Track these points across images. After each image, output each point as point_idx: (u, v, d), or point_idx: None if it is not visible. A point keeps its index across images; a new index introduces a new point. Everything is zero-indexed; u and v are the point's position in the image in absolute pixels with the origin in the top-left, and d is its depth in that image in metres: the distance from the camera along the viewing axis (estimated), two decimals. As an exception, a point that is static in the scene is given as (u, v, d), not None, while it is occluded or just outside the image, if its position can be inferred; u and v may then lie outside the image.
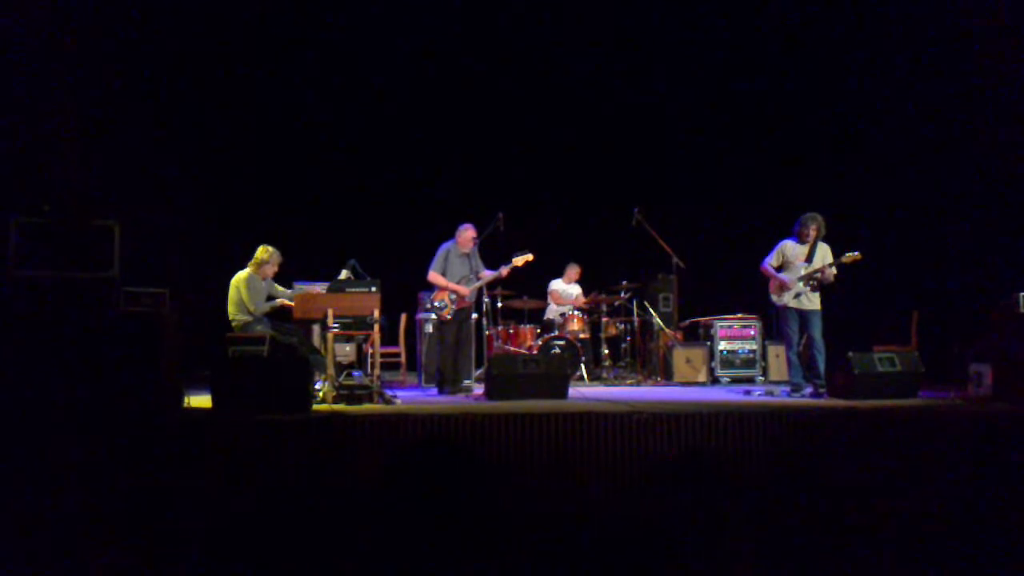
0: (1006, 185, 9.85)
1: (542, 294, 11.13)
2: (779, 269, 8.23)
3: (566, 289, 11.11)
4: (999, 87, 9.84)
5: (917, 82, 10.60)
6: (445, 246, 8.74)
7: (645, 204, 10.55)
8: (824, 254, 8.15)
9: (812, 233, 8.09)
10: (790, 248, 8.20)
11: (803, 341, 8.25)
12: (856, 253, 7.92)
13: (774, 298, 8.24)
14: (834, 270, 8.00)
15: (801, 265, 8.11)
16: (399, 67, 11.16)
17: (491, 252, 8.99)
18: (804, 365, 8.26)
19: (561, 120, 11.66)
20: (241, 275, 8.16)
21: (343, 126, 11.29)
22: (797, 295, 8.09)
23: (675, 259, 10.52)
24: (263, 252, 8.21)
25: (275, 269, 8.31)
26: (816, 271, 8.03)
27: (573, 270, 11.12)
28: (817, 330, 8.07)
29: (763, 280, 8.38)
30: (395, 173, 11.41)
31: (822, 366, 8.04)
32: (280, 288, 8.43)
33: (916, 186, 10.61)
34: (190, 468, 5.51)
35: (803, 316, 8.11)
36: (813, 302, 8.11)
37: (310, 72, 10.91)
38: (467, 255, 8.72)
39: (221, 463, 5.59)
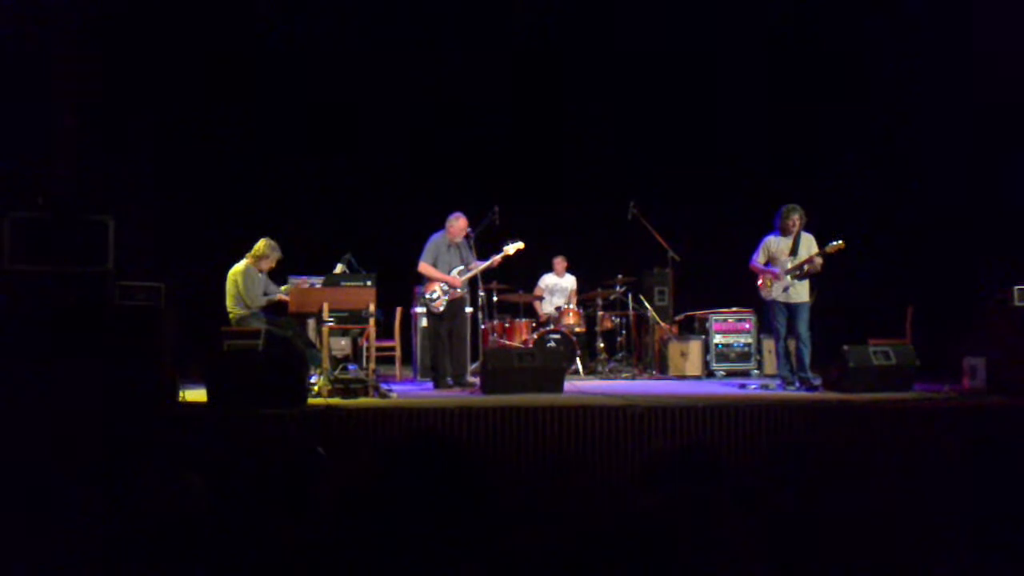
0: (1002, 178, 9.87)
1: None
2: (766, 265, 8.22)
3: (558, 282, 11.11)
4: (996, 81, 9.85)
5: (913, 75, 10.61)
6: (435, 237, 8.69)
7: (641, 198, 10.55)
8: (809, 244, 8.13)
9: (794, 225, 8.07)
10: (774, 243, 8.18)
11: (791, 335, 8.25)
12: (840, 242, 7.90)
13: (763, 293, 8.25)
14: (821, 259, 7.99)
15: (787, 259, 8.10)
16: (396, 61, 11.14)
17: (488, 245, 8.98)
18: (795, 359, 8.27)
19: (558, 114, 11.64)
20: (238, 268, 8.13)
21: (339, 119, 11.26)
22: (785, 289, 8.08)
23: (671, 253, 10.53)
24: (264, 246, 8.17)
25: (272, 264, 8.28)
26: (803, 263, 8.03)
27: (561, 262, 11.12)
28: (804, 323, 8.06)
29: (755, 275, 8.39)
30: (391, 167, 11.39)
31: (807, 359, 8.06)
32: (272, 286, 8.40)
33: (911, 179, 10.63)
34: (185, 462, 5.51)
35: (791, 309, 8.11)
36: (801, 295, 8.10)
37: (306, 65, 10.88)
38: (458, 245, 8.69)
39: (216, 457, 5.59)
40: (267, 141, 10.90)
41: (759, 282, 8.26)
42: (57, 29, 8.75)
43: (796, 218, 8.03)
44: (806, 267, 8.02)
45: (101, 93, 9.23)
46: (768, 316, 8.34)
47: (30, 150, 8.44)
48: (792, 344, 8.26)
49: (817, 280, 8.19)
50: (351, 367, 8.33)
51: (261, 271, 8.22)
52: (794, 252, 8.09)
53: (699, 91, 11.45)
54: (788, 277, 8.05)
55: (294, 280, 9.16)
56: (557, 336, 10.02)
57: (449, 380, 8.55)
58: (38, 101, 8.68)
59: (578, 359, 10.11)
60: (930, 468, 5.86)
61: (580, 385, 8.78)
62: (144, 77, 9.74)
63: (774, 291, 8.12)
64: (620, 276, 10.55)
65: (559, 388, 7.83)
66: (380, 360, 9.28)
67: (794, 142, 11.21)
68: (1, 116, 8.21)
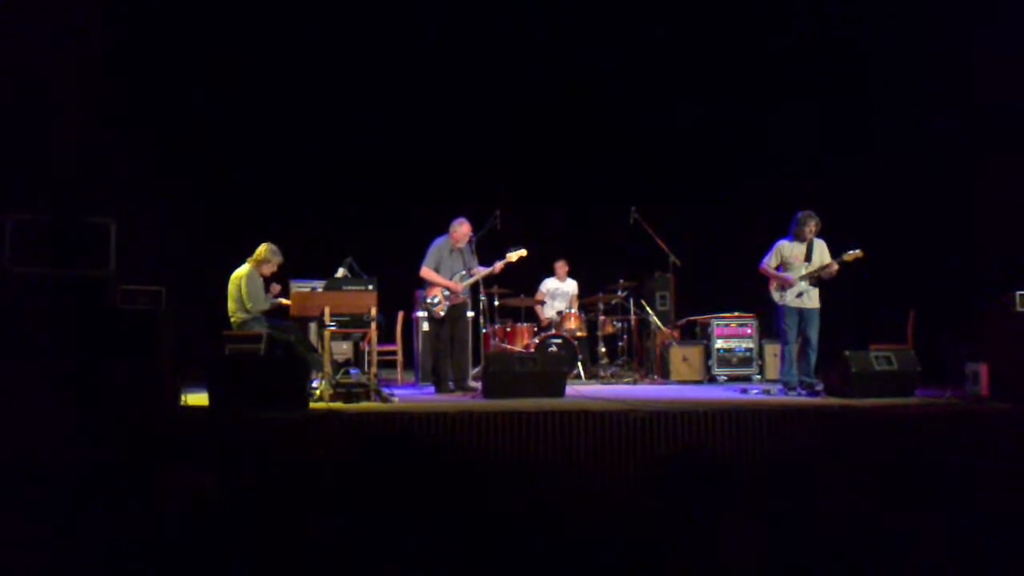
0: (1003, 182, 9.86)
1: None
2: (777, 269, 8.23)
3: (560, 286, 11.10)
4: (996, 84, 9.86)
5: (913, 80, 10.61)
6: (438, 241, 8.69)
7: (642, 202, 10.55)
8: (821, 251, 8.17)
9: (811, 232, 8.10)
10: (787, 248, 8.20)
11: (799, 340, 8.23)
12: (858, 251, 7.95)
13: (775, 297, 8.22)
14: (837, 266, 8.01)
15: (801, 264, 8.11)
16: (397, 63, 11.15)
17: (488, 249, 8.98)
18: (799, 363, 8.26)
19: (559, 118, 11.65)
20: (241, 272, 8.13)
21: (339, 123, 11.27)
22: (799, 294, 8.09)
23: (672, 257, 10.53)
24: (265, 250, 8.17)
25: (274, 268, 8.28)
26: (821, 268, 8.04)
27: (562, 266, 11.12)
28: (815, 330, 8.09)
29: (760, 279, 8.38)
30: (392, 171, 11.39)
31: (812, 364, 8.08)
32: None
33: (913, 184, 10.62)
34: (186, 466, 5.50)
35: (803, 315, 8.11)
36: (814, 301, 8.12)
37: (306, 68, 10.89)
38: (461, 251, 8.68)
39: (218, 461, 5.58)
40: (268, 144, 10.90)
41: (771, 285, 8.25)
42: (57, 29, 8.76)
43: (813, 225, 8.07)
44: (824, 272, 8.04)
45: (101, 93, 9.23)
46: (777, 320, 8.33)
47: (30, 151, 8.44)
48: (800, 350, 8.24)
49: (818, 285, 8.19)
50: (353, 371, 8.31)
51: (263, 275, 8.21)
52: (808, 258, 8.11)
53: (699, 94, 11.46)
54: (803, 283, 8.06)
55: (296, 284, 9.16)
56: (559, 340, 10.01)
57: (450, 384, 8.56)
58: (38, 101, 8.68)
59: (579, 364, 10.10)
60: (931, 473, 5.85)
61: (581, 390, 8.77)
62: (145, 78, 9.75)
63: (787, 296, 8.12)
64: (622, 281, 10.56)
65: (560, 393, 7.83)
66: (382, 364, 9.27)
67: (795, 146, 11.20)
68: (1, 116, 8.22)
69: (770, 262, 8.25)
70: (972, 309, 8.38)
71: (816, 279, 8.10)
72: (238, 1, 10.28)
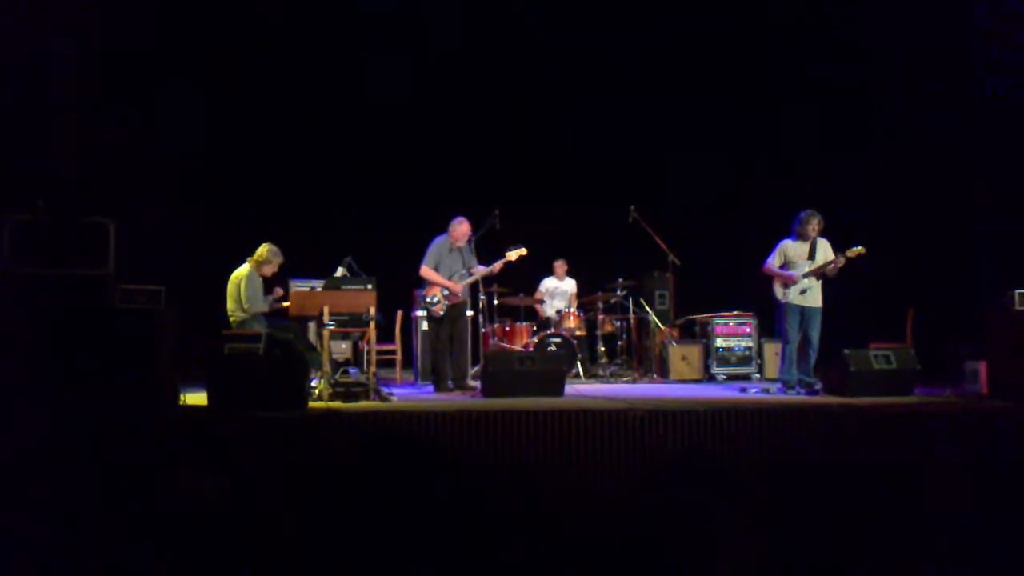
0: (1002, 182, 9.87)
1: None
2: (781, 268, 8.22)
3: (559, 285, 11.10)
4: (998, 85, 9.87)
5: (914, 79, 10.62)
6: (438, 240, 8.69)
7: (641, 201, 10.55)
8: (825, 250, 8.18)
9: (813, 230, 8.11)
10: (791, 247, 8.20)
11: (800, 338, 8.24)
12: (860, 247, 7.96)
13: (778, 294, 8.21)
14: (843, 260, 8.02)
15: (804, 263, 8.12)
16: (396, 65, 11.15)
17: (487, 248, 8.98)
18: (799, 362, 8.26)
19: (558, 117, 11.64)
20: (241, 272, 8.13)
21: (340, 123, 11.27)
22: (803, 291, 8.10)
23: (671, 256, 10.54)
24: (266, 251, 8.16)
25: (275, 269, 8.28)
26: (826, 264, 8.04)
27: (561, 265, 11.12)
28: (816, 329, 8.09)
29: (760, 277, 8.38)
30: (391, 170, 11.39)
31: (812, 363, 8.09)
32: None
33: (912, 183, 10.63)
34: (186, 466, 5.51)
35: (805, 313, 8.11)
36: (816, 299, 8.12)
37: (306, 68, 10.89)
38: (460, 250, 8.68)
39: (217, 461, 5.59)
40: (269, 144, 10.90)
41: (775, 283, 8.25)
42: (57, 29, 8.76)
43: (816, 223, 8.09)
44: (828, 268, 8.04)
45: (101, 93, 9.24)
46: (778, 318, 8.32)
47: (30, 151, 8.44)
48: (801, 349, 8.23)
49: (822, 280, 8.20)
50: (352, 370, 8.32)
51: (264, 276, 8.22)
52: (811, 257, 8.13)
53: (698, 94, 11.46)
54: (807, 279, 8.07)
55: (295, 283, 9.16)
56: (558, 339, 10.01)
57: (450, 383, 8.56)
58: (38, 101, 8.68)
59: (579, 363, 10.10)
60: (930, 472, 5.86)
61: (581, 389, 8.78)
62: (145, 78, 9.75)
63: (791, 293, 8.12)
64: (621, 280, 10.56)
65: (560, 392, 7.83)
66: (381, 363, 9.28)
67: (794, 145, 11.21)
68: (1, 116, 8.22)
69: (774, 262, 8.25)
70: (972, 308, 8.39)
71: (821, 275, 8.10)
72: (238, 1, 10.28)
